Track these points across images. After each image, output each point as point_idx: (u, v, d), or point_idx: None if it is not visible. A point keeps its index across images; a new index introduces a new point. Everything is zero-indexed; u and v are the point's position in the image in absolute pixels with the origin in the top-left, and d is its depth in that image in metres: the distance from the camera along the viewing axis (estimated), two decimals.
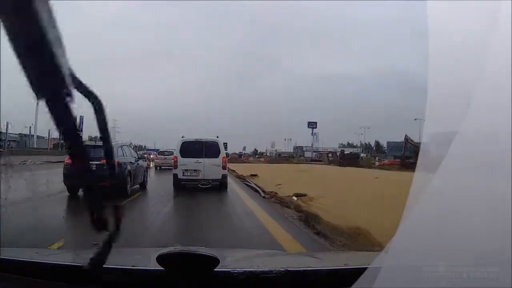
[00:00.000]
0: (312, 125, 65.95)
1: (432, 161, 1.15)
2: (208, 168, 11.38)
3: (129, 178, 10.03)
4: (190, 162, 11.41)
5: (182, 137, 12.13)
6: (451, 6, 1.16)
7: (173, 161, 12.16)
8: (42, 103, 0.67)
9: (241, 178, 17.77)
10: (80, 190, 6.89)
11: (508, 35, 1.03)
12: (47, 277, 1.32)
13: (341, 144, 76.72)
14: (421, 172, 1.15)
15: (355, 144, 75.30)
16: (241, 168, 19.55)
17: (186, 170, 11.40)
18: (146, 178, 12.52)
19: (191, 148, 11.62)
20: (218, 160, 11.52)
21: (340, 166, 41.13)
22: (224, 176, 11.65)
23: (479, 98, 1.07)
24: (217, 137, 12.51)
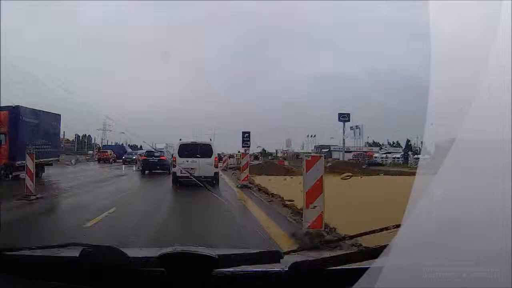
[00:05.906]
0: (344, 117, 48.24)
1: (433, 161, 1.15)
2: (202, 166, 13.33)
3: (168, 166, 19.16)
4: (186, 162, 13.48)
5: (180, 139, 14.45)
6: (452, 6, 1.17)
7: (172, 160, 14.77)
8: None
9: None
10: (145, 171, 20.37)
11: (508, 35, 1.03)
12: (47, 276, 1.32)
13: (367, 143, 68.61)
14: (422, 173, 1.15)
15: (381, 143, 67.74)
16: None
17: (184, 168, 13.27)
18: (171, 167, 19.93)
19: (188, 150, 13.75)
20: (211, 160, 13.69)
21: None
22: (216, 173, 13.88)
23: (480, 98, 1.07)
24: (210, 139, 15.44)
